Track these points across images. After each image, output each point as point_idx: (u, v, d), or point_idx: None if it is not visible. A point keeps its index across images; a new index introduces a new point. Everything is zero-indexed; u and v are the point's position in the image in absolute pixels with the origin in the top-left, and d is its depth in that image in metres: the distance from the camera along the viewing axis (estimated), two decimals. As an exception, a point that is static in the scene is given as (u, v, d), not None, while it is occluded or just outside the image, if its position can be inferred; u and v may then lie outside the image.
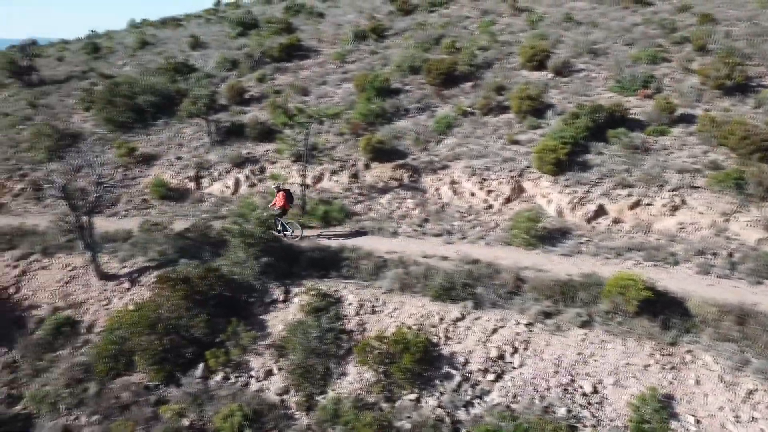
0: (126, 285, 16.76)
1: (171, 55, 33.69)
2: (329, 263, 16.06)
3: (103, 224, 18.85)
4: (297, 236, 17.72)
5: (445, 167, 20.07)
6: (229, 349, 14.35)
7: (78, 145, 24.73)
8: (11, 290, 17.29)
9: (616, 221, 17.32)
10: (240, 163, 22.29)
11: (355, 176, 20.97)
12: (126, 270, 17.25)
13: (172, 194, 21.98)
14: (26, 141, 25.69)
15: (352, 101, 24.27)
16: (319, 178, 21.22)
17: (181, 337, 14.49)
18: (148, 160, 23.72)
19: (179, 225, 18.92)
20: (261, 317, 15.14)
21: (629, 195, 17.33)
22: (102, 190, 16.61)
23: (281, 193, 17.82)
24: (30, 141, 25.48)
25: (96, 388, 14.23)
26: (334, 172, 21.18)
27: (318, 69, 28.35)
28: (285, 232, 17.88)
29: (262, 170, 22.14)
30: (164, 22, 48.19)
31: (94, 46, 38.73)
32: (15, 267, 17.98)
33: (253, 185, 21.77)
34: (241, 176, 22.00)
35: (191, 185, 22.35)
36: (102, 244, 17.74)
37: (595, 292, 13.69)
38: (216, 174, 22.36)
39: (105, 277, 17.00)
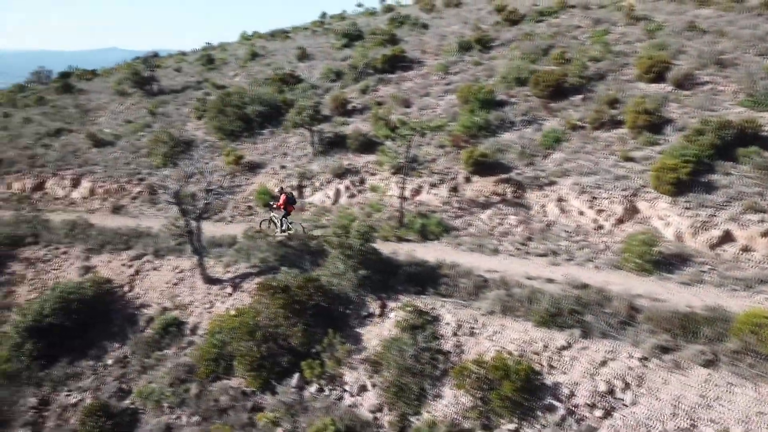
0: (229, 290, 17.22)
1: (278, 66, 34.84)
2: (426, 279, 15.65)
3: (210, 229, 19.60)
4: (291, 233, 18.82)
5: (551, 183, 19.11)
6: (324, 361, 14.29)
7: (191, 152, 26.02)
8: (126, 288, 18.30)
9: (745, 249, 15.63)
10: (341, 173, 22.45)
11: (454, 190, 20.49)
12: (229, 275, 17.74)
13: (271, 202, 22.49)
14: (145, 147, 27.38)
15: (454, 113, 23.83)
16: (417, 191, 20.91)
17: (279, 346, 14.62)
18: (254, 167, 24.49)
19: (282, 234, 19.26)
20: (356, 330, 14.98)
21: (761, 221, 15.60)
22: (211, 197, 17.20)
23: (283, 195, 18.69)
24: (148, 147, 27.13)
25: (197, 389, 14.66)
26: (433, 185, 20.80)
27: (421, 80, 28.17)
28: (288, 233, 18.91)
29: (362, 181, 22.17)
30: (273, 35, 50.08)
31: (209, 57, 40.86)
32: (130, 267, 19.04)
33: (352, 196, 21.83)
34: (342, 187, 22.14)
35: (294, 193, 22.75)
36: (208, 249, 18.41)
37: (721, 329, 12.31)
38: (317, 184, 22.66)
39: (210, 280, 17.57)
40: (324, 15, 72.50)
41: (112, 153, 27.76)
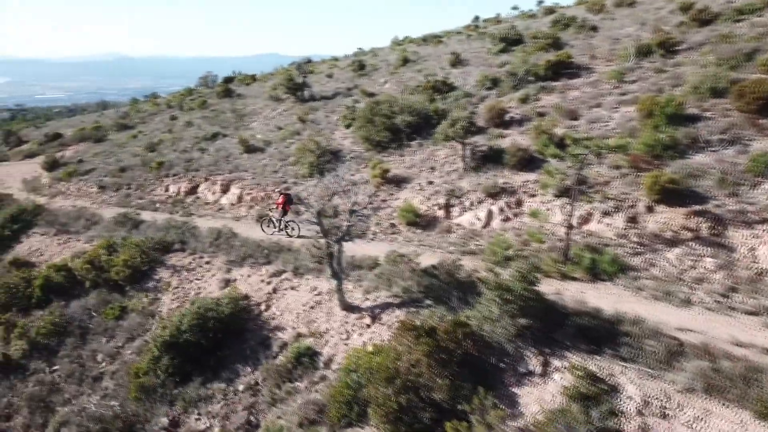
0: (367, 320, 15.59)
1: (430, 72, 33.13)
2: (602, 335, 12.81)
3: (350, 247, 18.14)
4: (295, 234, 20.74)
5: (764, 221, 15.25)
6: (472, 424, 12.04)
7: (337, 162, 25.07)
8: (262, 307, 17.41)
9: None
10: (495, 193, 20.06)
11: (632, 220, 17.22)
12: (368, 303, 16.12)
13: (419, 221, 20.69)
14: (293, 155, 26.93)
15: (632, 128, 20.43)
16: (586, 219, 17.92)
17: (420, 398, 12.60)
18: (399, 182, 22.88)
19: (426, 259, 17.32)
20: (512, 390, 12.55)
21: None
22: (355, 219, 15.69)
23: (282, 196, 21.02)
24: (296, 155, 26.64)
25: (327, 434, 13.13)
26: (605, 213, 17.69)
27: (590, 89, 24.86)
28: (287, 231, 20.98)
29: (519, 203, 19.59)
30: (425, 39, 48.68)
31: (360, 63, 40.29)
32: (268, 283, 18.18)
33: (507, 219, 19.35)
34: (495, 208, 19.74)
35: (440, 213, 20.78)
36: (348, 270, 16.98)
37: None
38: (467, 203, 20.46)
39: (348, 307, 16.09)
40: (477, 19, 70.24)
41: (261, 159, 27.69)
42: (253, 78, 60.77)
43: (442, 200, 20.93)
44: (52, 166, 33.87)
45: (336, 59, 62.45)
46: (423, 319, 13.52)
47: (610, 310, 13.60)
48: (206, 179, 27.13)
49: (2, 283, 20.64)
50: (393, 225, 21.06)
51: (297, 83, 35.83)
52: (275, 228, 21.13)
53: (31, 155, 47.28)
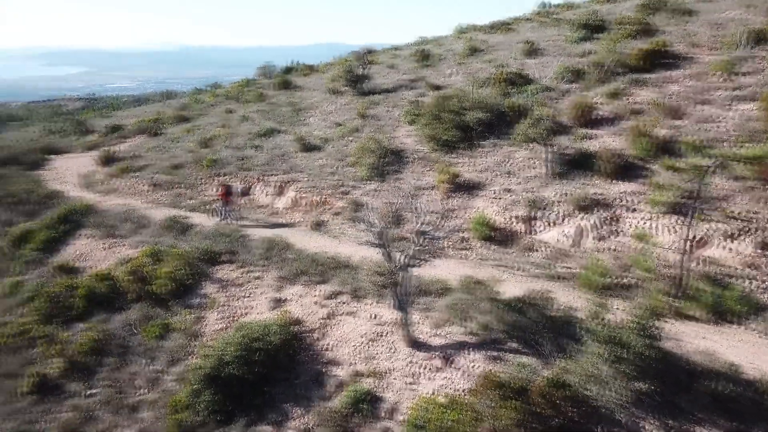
0: (437, 362, 13.17)
1: (502, 63, 30.13)
2: (746, 407, 9.96)
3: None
4: (236, 223, 22.23)
5: None
6: None
7: (399, 164, 22.71)
8: (316, 335, 15.26)
9: None
10: (585, 206, 17.22)
11: (765, 246, 14.09)
12: (439, 341, 13.70)
13: (495, 235, 18.09)
14: (352, 155, 24.71)
15: (753, 130, 17.13)
16: (703, 242, 14.87)
17: (507, 476, 10.15)
18: (471, 188, 20.27)
19: (508, 287, 14.74)
20: (625, 472, 9.93)
21: None
22: (425, 241, 13.23)
23: (223, 187, 23.22)
24: (355, 155, 24.40)
25: None
26: (729, 236, 14.60)
27: (693, 82, 21.45)
28: (228, 219, 22.67)
29: (616, 219, 16.67)
30: (493, 27, 45.37)
31: (423, 53, 37.54)
32: (323, 306, 16.01)
33: (601, 239, 16.48)
34: (586, 224, 16.90)
35: (520, 227, 18.10)
36: (414, 296, 14.58)
37: None
38: (552, 217, 17.69)
39: (414, 344, 13.72)
40: (544, 5, 65.99)
41: (318, 159, 25.56)
42: (312, 68, 59.02)
43: (521, 212, 18.23)
44: (107, 161, 32.89)
45: (397, 48, 59.80)
46: (511, 375, 10.97)
47: (751, 368, 10.69)
48: (259, 180, 25.24)
49: (45, 291, 19.37)
50: (464, 239, 18.50)
51: (357, 75, 33.49)
52: (218, 217, 23.01)
53: (91, 147, 47.09)
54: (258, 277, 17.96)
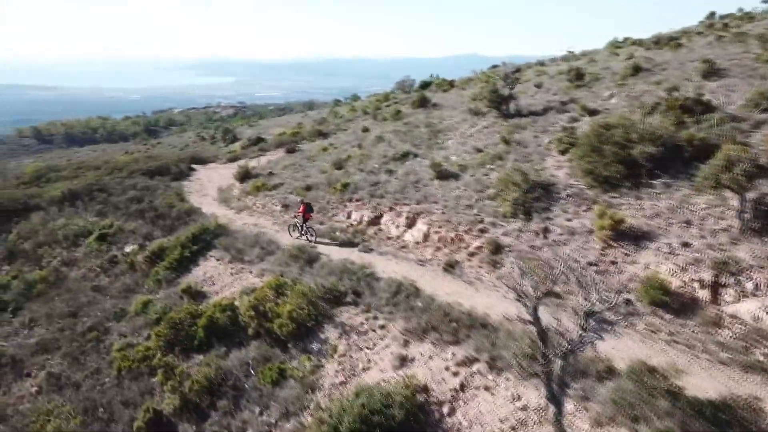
0: (599, 477, 10.42)
1: (674, 85, 26.11)
2: None
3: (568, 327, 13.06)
4: (312, 240, 22.69)
5: None
6: None
7: (548, 200, 19.91)
8: (445, 409, 13.04)
9: None
10: (798, 276, 13.45)
11: None
12: (602, 446, 10.92)
13: (670, 302, 14.77)
14: (493, 186, 22.26)
15: None
16: None
17: None
18: (638, 238, 17.00)
19: (692, 380, 11.57)
20: None
21: None
22: (593, 325, 10.49)
23: (303, 205, 23.12)
24: (496, 187, 21.92)
25: None
26: None
27: None
28: (307, 236, 23.08)
29: (844, 298, 12.77)
30: (657, 42, 40.59)
31: (577, 71, 34.08)
32: (455, 374, 13.75)
33: (822, 323, 12.68)
34: (800, 301, 13.14)
35: (703, 294, 14.63)
36: (567, 376, 11.85)
37: None
38: (749, 285, 14.05)
39: (567, 444, 11.04)
40: (713, 15, 58.92)
41: (454, 189, 23.40)
42: (451, 84, 57.19)
43: (706, 275, 14.75)
44: (243, 176, 33.23)
45: (542, 63, 56.22)
46: None
47: None
48: (391, 209, 23.56)
49: (169, 317, 19.02)
50: (628, 302, 15.36)
51: (502, 95, 30.90)
52: (299, 233, 23.53)
53: (233, 159, 48.74)
54: (383, 326, 16.10)
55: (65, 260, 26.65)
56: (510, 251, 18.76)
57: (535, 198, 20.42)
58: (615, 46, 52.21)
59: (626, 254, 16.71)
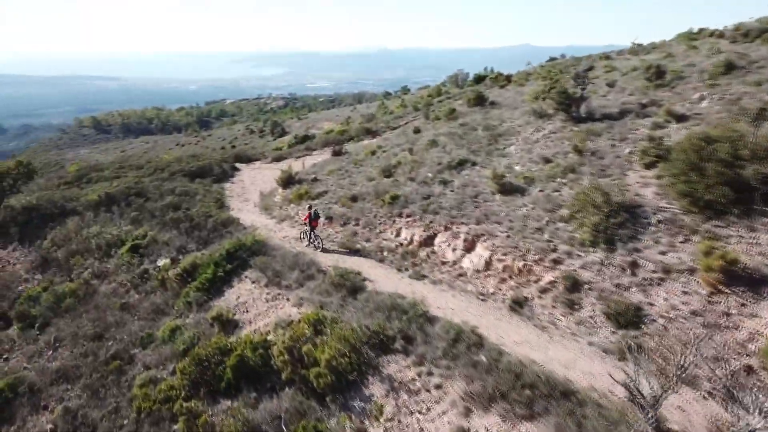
0: None
1: (780, 87, 22.28)
2: None
3: (671, 404, 10.11)
4: (319, 248, 22.52)
5: None
6: None
7: (635, 227, 16.76)
8: None
9: None
10: None
11: None
12: None
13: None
14: (567, 206, 19.20)
15: None
16: None
17: None
18: (755, 283, 13.72)
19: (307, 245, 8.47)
20: None
21: None
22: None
23: (308, 212, 22.78)
24: (571, 207, 18.86)
25: None
26: None
27: None
28: (314, 244, 22.85)
29: None
30: (746, 34, 36.09)
31: (658, 69, 30.25)
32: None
33: None
34: None
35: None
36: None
37: None
38: None
39: None
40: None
41: (521, 206, 20.42)
42: (508, 79, 53.63)
43: None
44: (286, 182, 31.03)
45: (608, 57, 51.90)
46: None
47: None
48: (446, 228, 20.76)
49: (196, 353, 16.87)
50: (750, 369, 12.19)
51: (572, 97, 27.54)
52: (305, 241, 23.24)
53: (278, 159, 46.84)
54: (438, 386, 13.37)
55: (96, 272, 25.03)
56: (590, 289, 15.75)
57: (618, 223, 17.28)
58: (689, 38, 47.47)
59: (742, 304, 13.47)
